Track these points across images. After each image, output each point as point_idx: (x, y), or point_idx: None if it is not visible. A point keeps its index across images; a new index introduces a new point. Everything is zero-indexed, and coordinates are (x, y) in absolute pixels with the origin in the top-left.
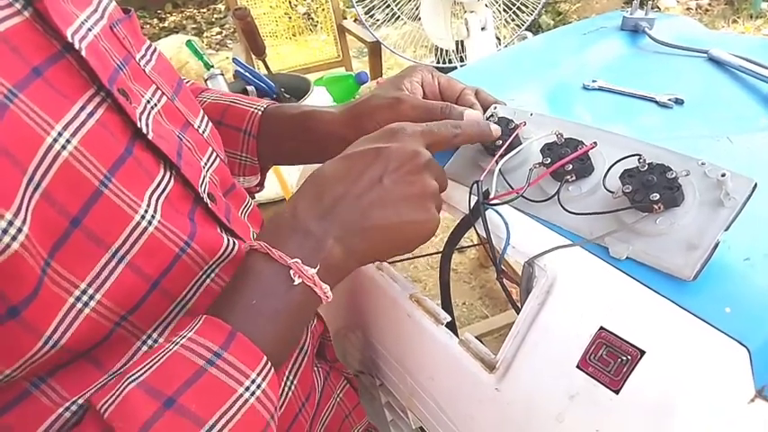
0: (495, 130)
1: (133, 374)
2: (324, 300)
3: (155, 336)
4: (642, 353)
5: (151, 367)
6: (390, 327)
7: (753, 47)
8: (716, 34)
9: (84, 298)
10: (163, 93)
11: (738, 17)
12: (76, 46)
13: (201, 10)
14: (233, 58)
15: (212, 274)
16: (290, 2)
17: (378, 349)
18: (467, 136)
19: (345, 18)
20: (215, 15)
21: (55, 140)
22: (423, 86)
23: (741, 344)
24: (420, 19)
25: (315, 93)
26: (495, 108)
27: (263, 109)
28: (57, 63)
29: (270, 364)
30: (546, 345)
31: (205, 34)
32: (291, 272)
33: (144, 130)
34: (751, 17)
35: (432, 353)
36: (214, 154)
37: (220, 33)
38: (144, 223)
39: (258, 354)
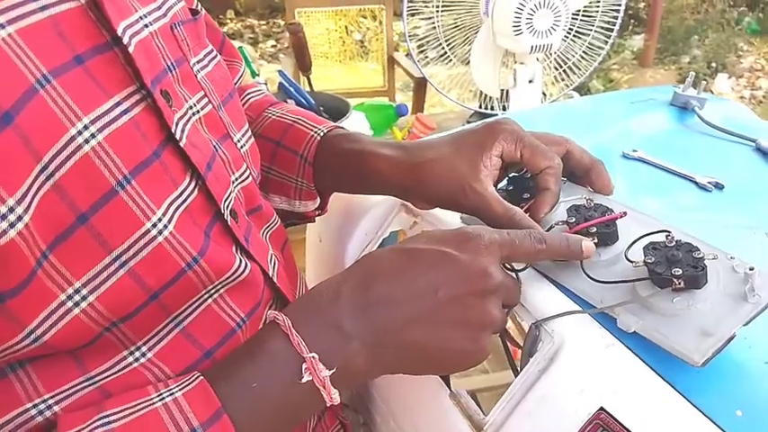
0: (587, 248)
1: (107, 416)
2: (329, 403)
3: (144, 348)
4: None
5: (127, 416)
6: None
7: None
8: (766, 124)
9: (77, 297)
10: (209, 100)
11: None
12: (125, 41)
13: (261, 22)
14: (279, 71)
15: (215, 294)
16: (346, 27)
17: (366, 385)
18: (551, 253)
19: (397, 50)
20: (273, 29)
21: (79, 132)
22: (503, 158)
23: None
24: (469, 64)
25: (353, 116)
26: None
27: (322, 134)
28: (102, 54)
29: None
30: (540, 415)
31: (260, 45)
32: (304, 366)
33: (177, 136)
34: None
35: (420, 400)
36: (247, 171)
37: (275, 47)
38: (154, 232)
39: None
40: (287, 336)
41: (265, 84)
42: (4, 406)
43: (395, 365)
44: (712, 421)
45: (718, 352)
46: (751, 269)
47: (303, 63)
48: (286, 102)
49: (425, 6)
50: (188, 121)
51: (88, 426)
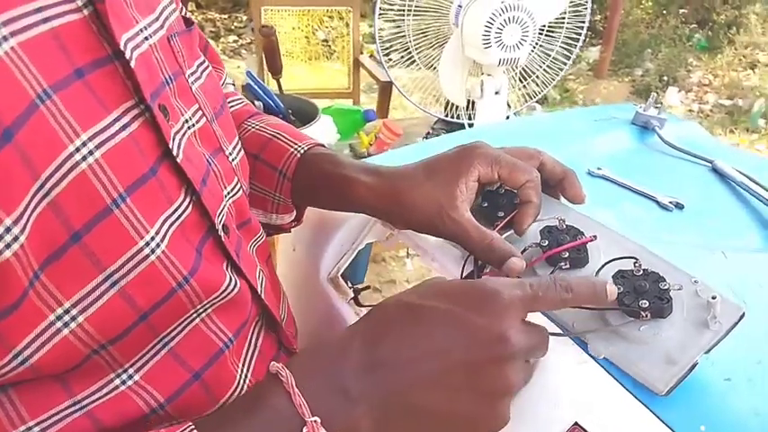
0: (611, 293)
1: None
2: None
3: (131, 371)
4: None
5: None
6: None
7: (757, 166)
8: (723, 146)
9: (66, 318)
10: (203, 114)
11: (736, 128)
12: (127, 55)
13: (223, 16)
14: (247, 71)
15: (203, 314)
16: (312, 27)
17: None
18: (578, 301)
19: (362, 53)
20: (235, 23)
21: (77, 150)
22: (479, 181)
23: None
24: (433, 68)
25: (321, 121)
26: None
27: (302, 152)
28: (102, 68)
29: None
30: (517, 429)
31: (221, 40)
32: (305, 429)
33: (174, 152)
34: (747, 131)
35: None
36: (239, 184)
37: (237, 42)
38: (147, 251)
39: None
40: (289, 394)
41: (233, 84)
42: None
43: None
44: None
45: (682, 380)
46: (713, 297)
47: (274, 66)
48: (253, 103)
49: (397, 10)
50: (183, 135)
51: None
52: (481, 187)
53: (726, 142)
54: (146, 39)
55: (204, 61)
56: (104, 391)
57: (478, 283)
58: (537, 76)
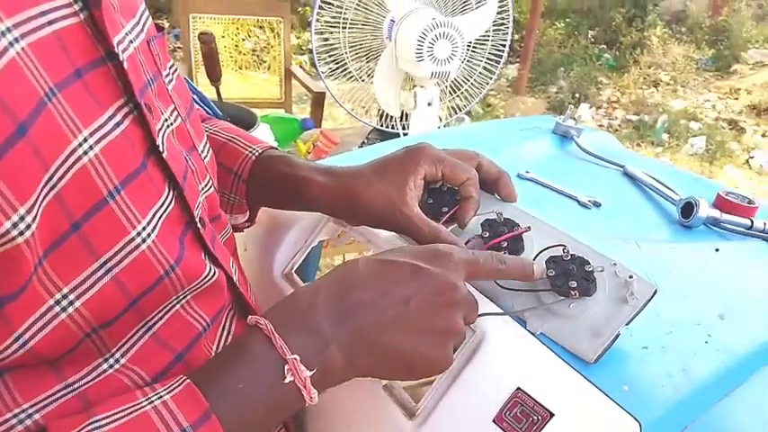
0: (538, 271)
1: (98, 420)
2: (308, 403)
3: (117, 355)
4: (552, 415)
5: (119, 419)
6: None
7: (660, 170)
8: (631, 153)
9: (64, 303)
10: (179, 113)
11: (642, 142)
12: (121, 57)
13: None
14: (185, 78)
15: (183, 300)
16: (240, 36)
17: None
18: (509, 274)
19: (293, 63)
20: None
21: (80, 145)
22: (425, 179)
23: (635, 418)
24: (362, 80)
25: (260, 129)
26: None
27: (257, 155)
28: (97, 68)
29: None
30: (466, 398)
31: None
32: (286, 367)
33: (160, 148)
34: (652, 144)
35: (356, 391)
36: (210, 181)
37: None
38: (138, 240)
39: None
40: (269, 339)
41: None
42: None
43: (368, 368)
44: (606, 395)
45: (608, 349)
46: (630, 277)
47: (213, 73)
48: None
49: (333, 23)
50: (164, 133)
51: (80, 430)
52: (426, 184)
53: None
54: (131, 42)
55: (174, 64)
56: (94, 374)
57: (434, 246)
58: (465, 90)
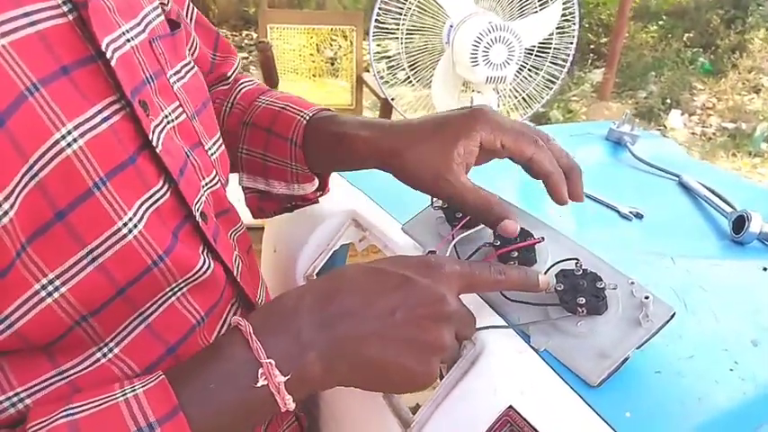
0: (543, 282)
1: (72, 408)
2: (283, 409)
3: (111, 344)
4: None
5: (90, 409)
6: None
7: (723, 181)
8: (693, 161)
9: (50, 288)
10: (184, 110)
11: (738, 152)
12: (108, 55)
13: (234, 33)
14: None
15: (178, 292)
16: (317, 45)
17: None
18: (510, 285)
19: (367, 71)
20: (245, 41)
21: (63, 137)
22: (482, 147)
23: None
24: (426, 87)
25: None
26: None
27: (308, 118)
28: (86, 66)
29: None
30: (459, 412)
31: None
32: (260, 371)
33: (154, 143)
34: (750, 154)
35: (357, 399)
36: (217, 177)
37: (246, 59)
38: (124, 230)
39: None
40: (247, 341)
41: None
42: None
43: (347, 378)
44: (604, 420)
45: (614, 372)
46: (646, 297)
47: (270, 80)
48: None
49: (394, 29)
50: (163, 129)
51: (54, 416)
52: (483, 153)
53: (727, 166)
54: (127, 41)
55: (190, 62)
56: (87, 363)
57: (426, 257)
58: (528, 95)
